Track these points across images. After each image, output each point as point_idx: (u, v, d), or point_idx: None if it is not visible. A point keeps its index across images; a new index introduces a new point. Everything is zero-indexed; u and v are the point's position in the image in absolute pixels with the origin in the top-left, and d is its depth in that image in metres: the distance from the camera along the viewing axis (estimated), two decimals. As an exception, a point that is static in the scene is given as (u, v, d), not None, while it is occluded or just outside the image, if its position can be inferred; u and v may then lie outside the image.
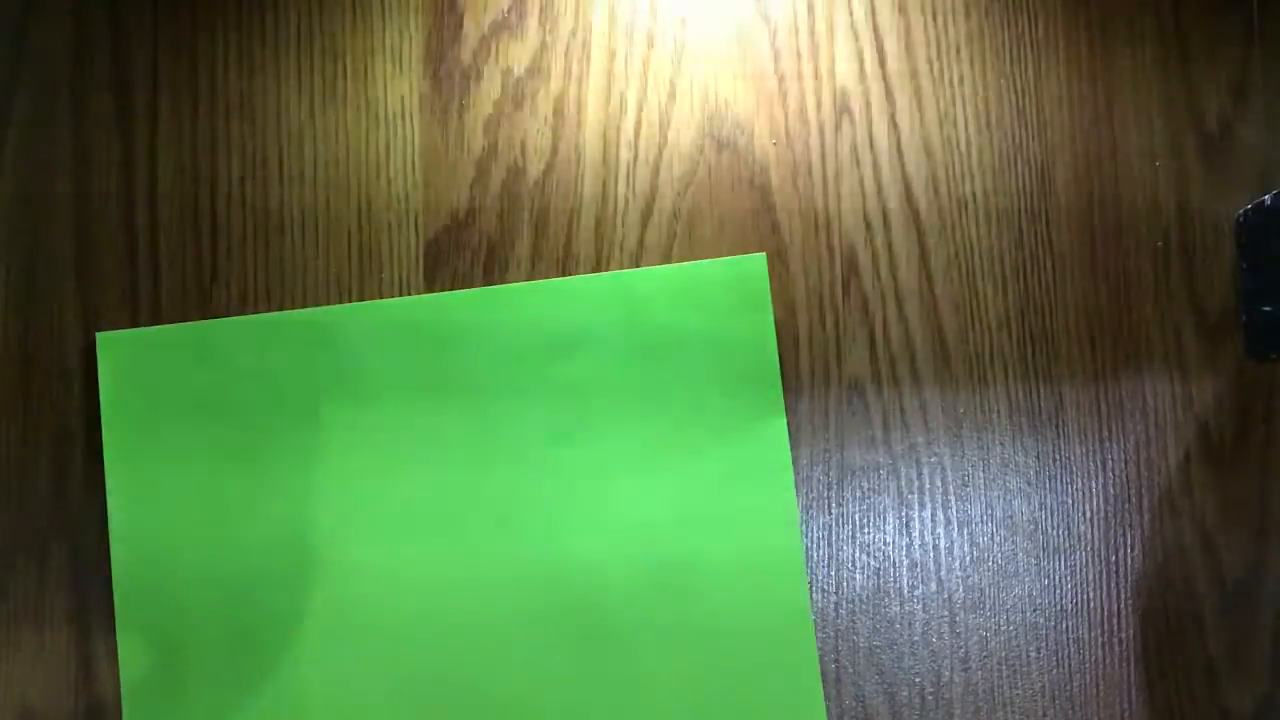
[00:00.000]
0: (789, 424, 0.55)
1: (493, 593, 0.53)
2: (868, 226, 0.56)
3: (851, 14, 0.57)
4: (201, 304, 0.55)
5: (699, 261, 0.55)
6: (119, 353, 0.54)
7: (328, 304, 0.55)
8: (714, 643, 0.53)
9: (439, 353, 0.54)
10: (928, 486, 0.55)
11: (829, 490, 0.55)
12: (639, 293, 0.54)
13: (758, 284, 0.54)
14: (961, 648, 0.54)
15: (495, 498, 0.53)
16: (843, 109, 0.56)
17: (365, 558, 0.53)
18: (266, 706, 0.52)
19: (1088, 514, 0.55)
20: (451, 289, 0.55)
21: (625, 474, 0.53)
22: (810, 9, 0.57)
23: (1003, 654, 0.54)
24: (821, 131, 0.56)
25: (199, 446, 0.53)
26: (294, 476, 0.53)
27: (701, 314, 0.54)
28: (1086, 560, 0.55)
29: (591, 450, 0.53)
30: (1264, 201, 0.54)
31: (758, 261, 0.54)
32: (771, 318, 0.54)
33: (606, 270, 0.55)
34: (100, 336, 0.54)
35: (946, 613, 0.55)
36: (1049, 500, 0.55)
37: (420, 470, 0.53)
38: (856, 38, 0.57)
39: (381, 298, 0.55)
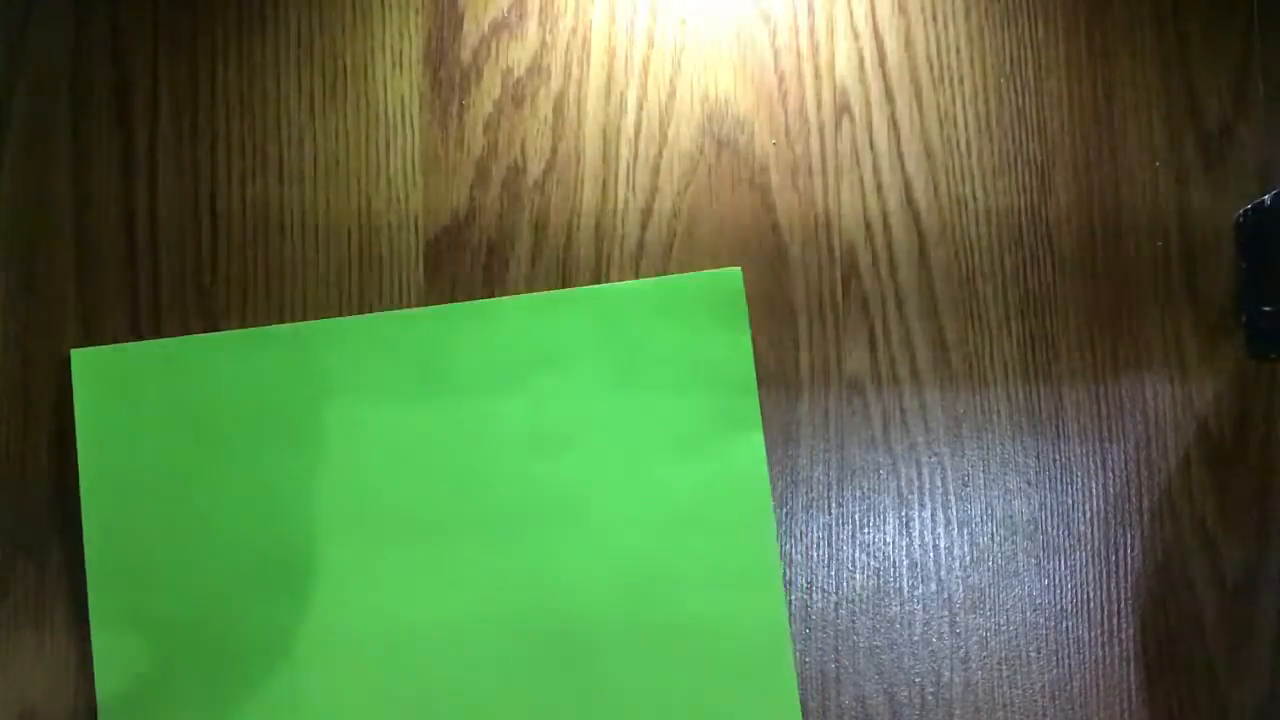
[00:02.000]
0: (789, 424, 0.55)
1: (471, 604, 0.53)
2: (868, 226, 0.56)
3: (851, 14, 0.57)
4: (201, 304, 0.55)
5: (675, 275, 0.55)
6: (94, 369, 0.54)
7: (327, 304, 0.55)
8: (690, 655, 0.52)
9: (417, 367, 0.54)
10: (928, 486, 0.55)
11: (829, 490, 0.55)
12: (616, 307, 0.54)
13: (734, 298, 0.54)
14: (961, 648, 0.54)
15: (475, 509, 0.53)
16: (843, 109, 0.56)
17: (344, 571, 0.53)
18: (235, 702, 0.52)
19: (1088, 514, 0.55)
20: (452, 289, 0.55)
21: (602, 487, 0.53)
22: (810, 9, 0.57)
23: (1003, 654, 0.54)
24: (821, 131, 0.56)
25: (175, 463, 0.53)
26: (270, 492, 0.53)
27: (678, 328, 0.54)
28: (1086, 560, 0.55)
29: (569, 463, 0.53)
30: (1264, 201, 0.54)
31: (733, 276, 0.54)
32: (748, 332, 0.54)
33: (607, 271, 0.56)
34: (75, 354, 0.54)
35: (946, 613, 0.55)
36: (1049, 500, 0.55)
37: (399, 483, 0.53)
38: (856, 38, 0.57)
39: (381, 298, 0.55)
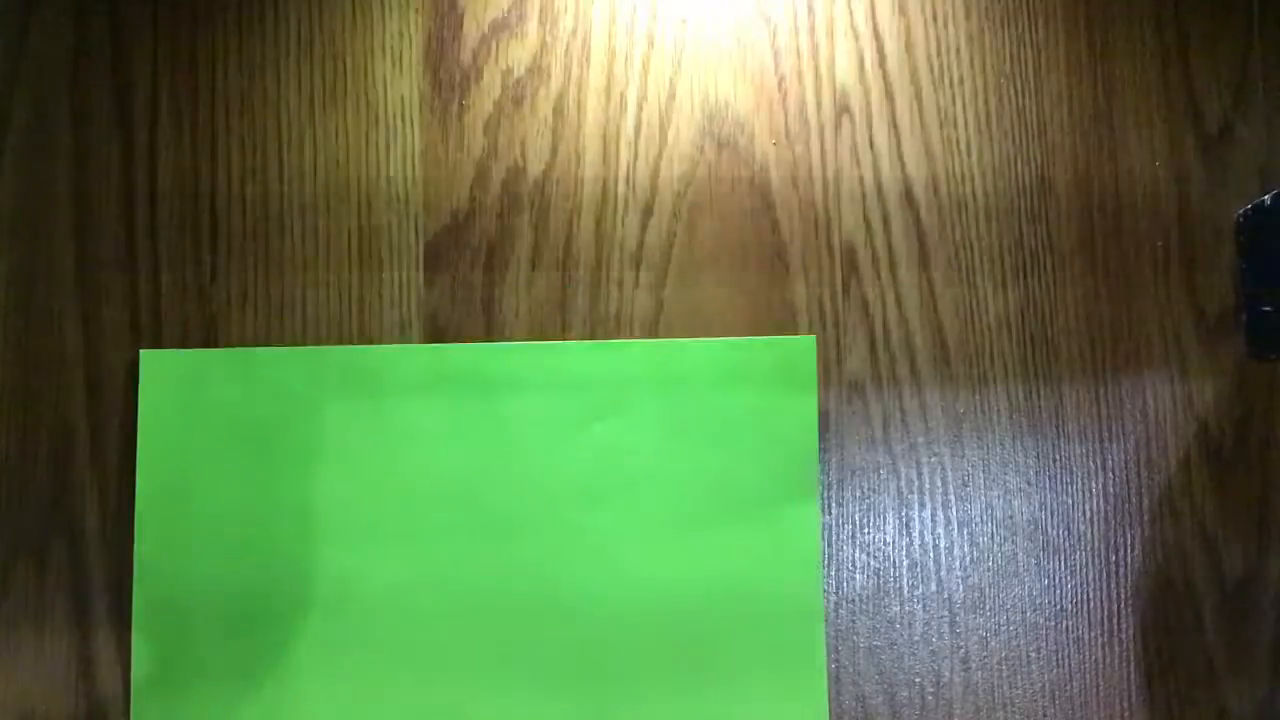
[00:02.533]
0: (789, 424, 0.55)
1: (502, 631, 0.53)
2: (868, 226, 0.56)
3: (851, 14, 0.57)
4: (201, 304, 0.55)
5: (747, 338, 0.55)
6: (160, 371, 0.54)
7: (327, 304, 0.55)
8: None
9: (477, 401, 0.54)
10: (928, 486, 0.55)
11: (829, 490, 0.55)
12: (685, 362, 0.54)
13: (804, 366, 0.54)
14: (961, 648, 0.54)
15: (520, 546, 0.53)
16: (843, 109, 0.56)
17: (382, 590, 0.53)
18: (266, 713, 0.52)
19: (1088, 514, 0.55)
20: (452, 289, 0.55)
21: (651, 539, 0.53)
22: (810, 9, 0.57)
23: (1003, 654, 0.54)
24: (821, 131, 0.56)
25: (228, 468, 0.53)
26: (318, 507, 0.53)
27: (745, 390, 0.54)
28: (1086, 560, 0.55)
29: (620, 512, 0.53)
30: (1264, 201, 0.54)
31: (807, 344, 0.54)
32: (815, 402, 0.54)
33: (607, 271, 0.56)
34: (144, 354, 0.54)
35: (946, 613, 0.54)
36: (1049, 500, 0.55)
37: (447, 513, 0.53)
38: (856, 38, 0.57)
39: (381, 298, 0.55)
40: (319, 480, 0.53)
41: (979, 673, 0.54)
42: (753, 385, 0.54)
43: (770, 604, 0.53)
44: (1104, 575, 0.55)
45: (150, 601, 0.53)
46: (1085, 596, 0.55)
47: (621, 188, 0.56)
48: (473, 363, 0.54)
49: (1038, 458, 0.55)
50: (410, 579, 0.53)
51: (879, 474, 0.55)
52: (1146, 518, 0.55)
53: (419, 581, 0.53)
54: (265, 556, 0.53)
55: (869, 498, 0.55)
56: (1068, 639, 0.54)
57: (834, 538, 0.55)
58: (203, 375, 0.54)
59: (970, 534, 0.55)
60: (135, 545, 0.53)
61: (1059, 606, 0.55)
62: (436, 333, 0.55)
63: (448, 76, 0.56)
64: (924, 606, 0.54)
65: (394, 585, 0.53)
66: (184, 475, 0.53)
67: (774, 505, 0.53)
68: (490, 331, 0.55)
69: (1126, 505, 0.55)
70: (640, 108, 0.56)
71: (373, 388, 0.54)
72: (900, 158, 0.56)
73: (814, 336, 0.55)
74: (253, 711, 0.52)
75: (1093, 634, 0.54)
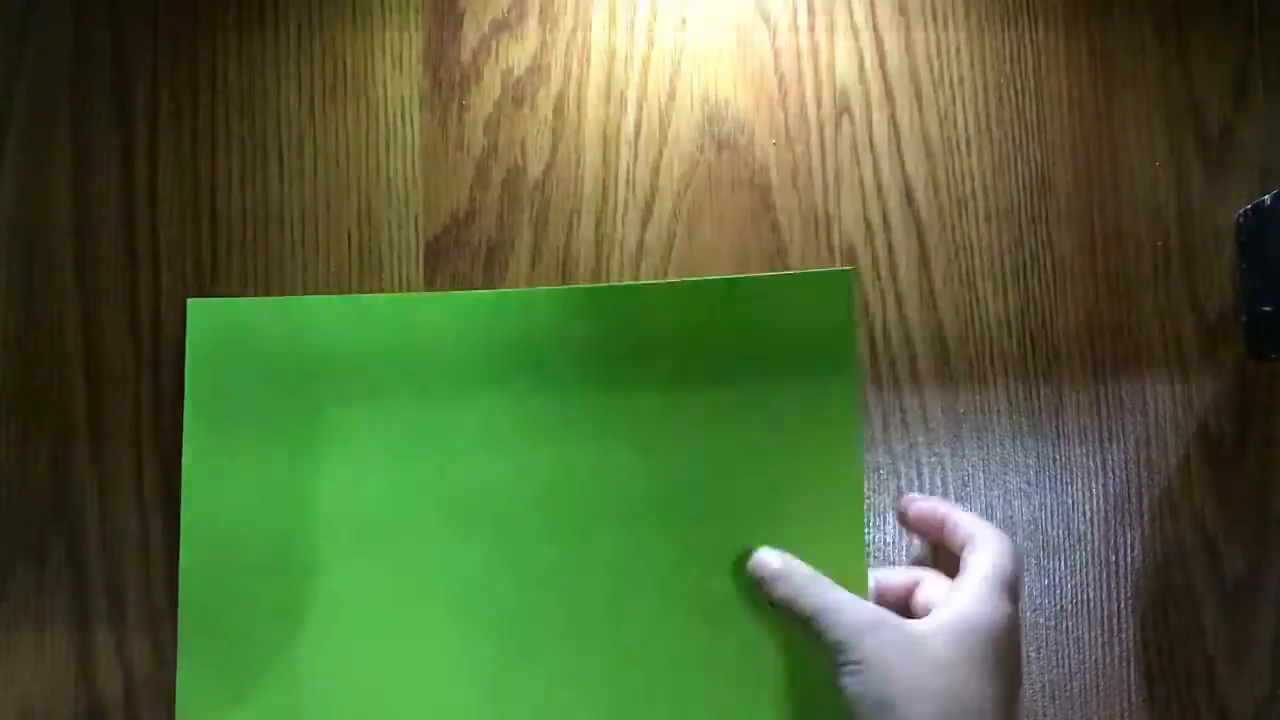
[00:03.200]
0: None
1: (541, 588, 0.52)
2: (868, 226, 0.56)
3: (851, 14, 0.57)
4: (201, 304, 0.55)
5: (781, 273, 0.54)
6: (206, 321, 0.54)
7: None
8: (758, 674, 0.51)
9: (522, 349, 0.53)
10: (928, 486, 0.55)
11: (829, 490, 0.55)
12: (716, 299, 0.53)
13: (841, 299, 0.52)
14: (961, 648, 0.54)
15: (563, 497, 0.53)
16: (843, 109, 0.56)
17: (425, 536, 0.53)
18: (310, 680, 0.52)
19: (1088, 514, 0.55)
20: (452, 289, 0.55)
21: (687, 486, 0.52)
22: (810, 9, 0.57)
23: (1003, 654, 0.54)
24: (821, 131, 0.56)
25: (273, 421, 0.53)
26: (356, 460, 0.53)
27: (780, 326, 0.52)
28: (1086, 560, 0.55)
29: (659, 455, 0.52)
30: (1264, 201, 0.54)
31: (844, 276, 0.52)
32: (854, 336, 0.52)
33: (607, 271, 0.56)
34: (191, 303, 0.54)
35: (946, 613, 0.54)
36: (1049, 500, 0.55)
37: (487, 465, 0.53)
38: (856, 38, 0.57)
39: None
40: (361, 428, 0.53)
41: (979, 673, 0.54)
42: (788, 320, 0.52)
43: (811, 547, 0.52)
44: (1104, 575, 0.55)
45: (197, 557, 0.53)
46: (1085, 596, 0.55)
47: (621, 188, 0.56)
48: (511, 308, 0.53)
49: (1038, 458, 0.55)
50: (451, 523, 0.53)
51: (879, 474, 0.55)
52: (1146, 518, 0.55)
53: (460, 527, 0.53)
54: (311, 503, 0.53)
55: (869, 498, 0.55)
56: (1068, 639, 0.54)
57: (834, 538, 0.55)
58: (249, 323, 0.54)
59: (970, 534, 0.55)
60: (183, 497, 0.53)
61: (1059, 606, 0.55)
62: (436, 333, 0.55)
63: (448, 76, 0.56)
64: (924, 606, 0.54)
65: (436, 530, 0.53)
66: (231, 424, 0.53)
67: (812, 445, 0.52)
68: (490, 331, 0.55)
69: (1126, 505, 0.55)
70: (640, 108, 0.56)
71: (405, 336, 0.53)
72: (900, 158, 0.56)
73: (851, 269, 0.54)
74: (300, 656, 0.52)
75: (1093, 634, 0.54)
